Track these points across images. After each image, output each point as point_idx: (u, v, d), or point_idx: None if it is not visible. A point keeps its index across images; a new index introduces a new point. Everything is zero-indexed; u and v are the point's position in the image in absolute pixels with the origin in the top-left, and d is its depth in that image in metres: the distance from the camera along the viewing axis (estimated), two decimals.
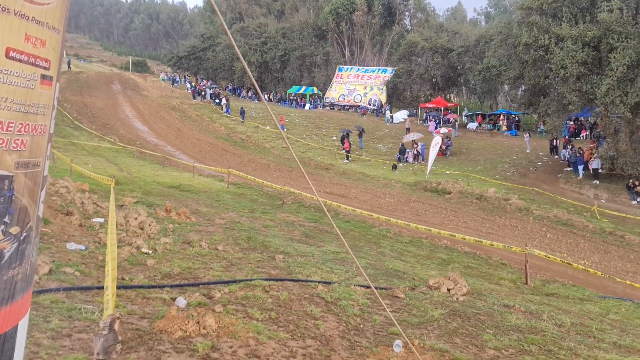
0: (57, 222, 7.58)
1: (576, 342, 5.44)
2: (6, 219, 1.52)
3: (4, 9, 1.40)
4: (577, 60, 21.82)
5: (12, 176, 1.53)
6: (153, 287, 5.48)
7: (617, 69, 20.54)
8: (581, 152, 25.53)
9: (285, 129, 37.93)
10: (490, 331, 5.48)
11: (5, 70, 1.44)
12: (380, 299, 3.63)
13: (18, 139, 1.53)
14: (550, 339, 5.38)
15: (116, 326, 1.79)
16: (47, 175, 1.77)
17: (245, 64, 2.50)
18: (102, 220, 8.60)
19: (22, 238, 1.61)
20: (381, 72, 51.77)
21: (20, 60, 1.49)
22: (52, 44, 1.63)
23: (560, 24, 22.60)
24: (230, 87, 62.86)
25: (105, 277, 3.68)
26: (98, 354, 1.77)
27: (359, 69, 53.67)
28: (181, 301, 5.00)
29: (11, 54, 1.45)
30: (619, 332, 6.30)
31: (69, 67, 61.22)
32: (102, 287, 3.64)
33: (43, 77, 1.62)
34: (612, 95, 21.14)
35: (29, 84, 1.54)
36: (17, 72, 1.48)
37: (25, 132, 1.56)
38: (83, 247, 6.66)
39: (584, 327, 6.17)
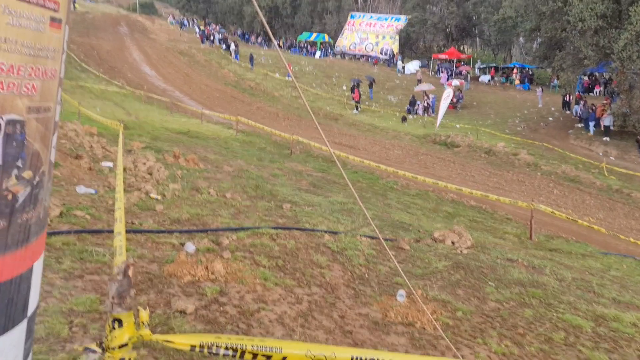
0: (67, 166, 7.64)
1: (576, 296, 5.54)
2: (19, 164, 1.53)
3: None
4: (596, 12, 21.14)
5: (24, 121, 1.52)
6: (162, 232, 5.58)
7: (637, 23, 19.89)
8: (594, 108, 25.12)
9: (290, 78, 37.46)
10: (493, 284, 5.57)
11: (14, 11, 1.41)
12: (387, 249, 3.67)
13: (29, 83, 1.52)
14: (551, 293, 5.48)
15: (130, 272, 1.83)
16: (58, 120, 1.77)
17: (257, 6, 2.43)
18: (111, 164, 8.66)
19: (35, 182, 1.62)
20: (394, 21, 50.40)
21: (29, 2, 1.45)
22: None
23: None
24: (239, 32, 61.65)
25: (116, 222, 3.74)
26: (113, 298, 1.81)
27: (371, 17, 52.24)
28: (190, 246, 5.09)
29: None
30: (618, 288, 6.39)
31: (74, 6, 60.00)
32: (113, 231, 3.70)
33: (52, 19, 1.58)
34: (629, 51, 20.58)
35: (38, 26, 1.51)
36: (26, 14, 1.45)
37: (35, 76, 1.54)
38: (93, 191, 6.74)
39: (584, 282, 6.25)
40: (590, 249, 10.26)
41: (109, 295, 1.80)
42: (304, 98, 2.67)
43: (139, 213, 6.30)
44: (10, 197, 1.51)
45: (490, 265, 6.32)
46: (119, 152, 7.38)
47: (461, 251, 6.88)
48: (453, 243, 7.21)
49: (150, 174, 8.38)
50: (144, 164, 8.69)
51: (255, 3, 2.38)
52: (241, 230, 6.02)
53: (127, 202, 6.22)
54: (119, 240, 3.12)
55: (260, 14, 2.36)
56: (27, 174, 1.57)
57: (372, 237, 6.60)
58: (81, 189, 6.64)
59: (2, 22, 1.38)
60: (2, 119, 1.43)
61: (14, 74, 1.45)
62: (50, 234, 4.63)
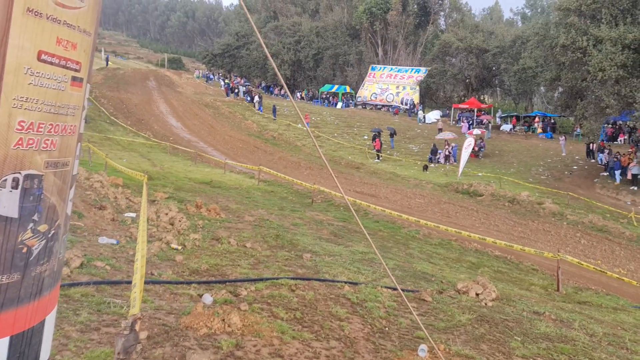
0: (90, 216, 7.78)
1: (608, 353, 5.28)
2: (35, 217, 1.56)
3: (36, 13, 1.44)
4: (616, 63, 21.20)
5: (42, 175, 1.57)
6: (181, 283, 5.57)
7: None
8: (619, 156, 24.77)
9: (309, 126, 38.07)
10: (519, 338, 5.36)
11: (37, 72, 1.48)
12: (407, 301, 3.60)
13: (48, 139, 1.57)
14: (581, 349, 5.24)
15: (137, 326, 1.82)
16: (76, 174, 1.82)
17: (272, 61, 2.51)
18: (134, 215, 8.78)
19: (50, 235, 1.65)
20: (414, 72, 51.32)
21: (51, 63, 1.52)
22: (83, 46, 1.67)
23: (599, 26, 22.00)
24: (263, 85, 63.41)
25: (134, 274, 3.76)
26: (119, 353, 1.80)
27: (392, 69, 53.33)
28: (208, 298, 5.06)
29: (43, 57, 1.48)
30: None
31: (107, 63, 62.74)
32: (131, 282, 3.72)
33: (74, 78, 1.65)
34: None
35: (59, 85, 1.58)
36: (48, 75, 1.52)
37: (55, 132, 1.60)
38: (114, 241, 6.81)
39: (616, 338, 5.98)
40: (622, 302, 9.86)
41: (114, 350, 1.79)
42: (316, 143, 2.70)
43: (159, 263, 6.32)
44: (25, 250, 1.54)
45: (516, 318, 6.11)
46: (142, 202, 7.51)
47: (486, 303, 6.68)
48: (477, 295, 7.01)
49: (172, 224, 8.46)
50: (166, 214, 8.80)
51: (271, 60, 2.46)
52: (260, 281, 5.98)
53: (147, 252, 6.27)
54: (135, 292, 3.12)
55: (276, 69, 2.44)
56: (42, 227, 1.60)
57: (394, 289, 6.47)
58: (103, 240, 6.73)
59: (24, 83, 1.45)
60: (20, 174, 1.48)
61: (34, 131, 1.51)
62: (69, 285, 4.67)
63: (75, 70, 1.65)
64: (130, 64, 77.30)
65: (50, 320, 1.76)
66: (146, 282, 4.87)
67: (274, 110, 41.87)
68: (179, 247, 7.17)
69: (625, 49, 21.34)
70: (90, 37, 1.71)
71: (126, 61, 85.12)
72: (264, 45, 2.51)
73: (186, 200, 11.79)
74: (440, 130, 36.30)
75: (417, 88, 49.42)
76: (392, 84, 51.22)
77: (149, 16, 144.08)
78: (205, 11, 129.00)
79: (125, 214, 8.84)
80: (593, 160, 28.50)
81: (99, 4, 1.74)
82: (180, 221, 8.56)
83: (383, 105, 50.31)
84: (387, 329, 5.23)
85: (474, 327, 5.57)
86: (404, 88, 50.18)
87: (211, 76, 67.65)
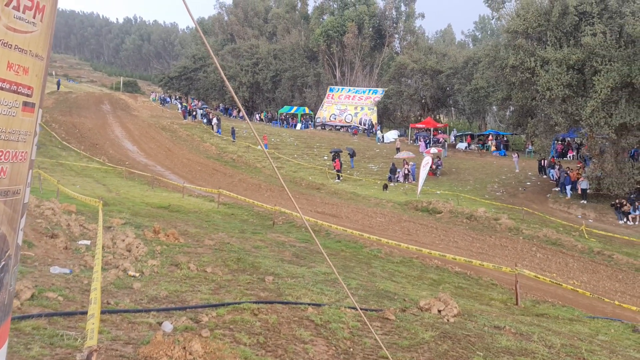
0: (42, 245, 7.47)
1: None
2: None
3: None
4: (562, 82, 22.18)
5: None
6: (139, 311, 5.39)
7: (601, 91, 20.88)
8: (568, 172, 25.79)
9: (267, 148, 38.12)
10: (481, 353, 5.43)
11: None
12: (370, 321, 3.59)
13: None
14: None
15: (94, 359, 1.74)
16: (27, 203, 1.75)
17: (229, 84, 2.51)
18: (88, 242, 8.49)
19: (0, 267, 1.58)
20: (372, 93, 52.31)
21: (1, 88, 1.48)
22: (35, 71, 1.62)
23: (545, 48, 23.02)
24: (221, 107, 63.14)
25: (91, 304, 3.62)
26: None
27: (349, 90, 54.18)
28: (167, 326, 4.92)
29: None
30: (608, 353, 6.29)
31: (58, 87, 61.14)
32: (86, 313, 3.57)
33: (25, 104, 1.60)
34: (596, 117, 21.45)
35: (10, 111, 1.53)
36: None
37: (5, 159, 1.54)
38: (67, 271, 6.56)
39: (573, 349, 6.14)
40: (577, 313, 10.17)
41: None
42: (274, 165, 2.71)
43: (116, 292, 6.12)
44: None
45: (478, 333, 6.20)
46: (98, 229, 7.28)
47: (448, 320, 6.75)
48: (439, 311, 7.08)
49: (129, 250, 8.23)
50: (123, 240, 8.55)
51: (228, 84, 2.46)
52: (221, 306, 5.86)
53: (103, 280, 6.06)
54: (92, 323, 3.00)
55: (232, 92, 2.44)
56: None
57: (357, 308, 6.46)
58: (55, 269, 6.46)
59: None
60: None
61: None
62: (19, 318, 4.45)
63: (27, 95, 1.60)
64: (83, 88, 75.60)
65: (1, 356, 1.67)
66: (103, 312, 4.69)
67: (233, 132, 41.69)
68: (137, 274, 6.96)
69: (569, 69, 22.39)
70: (42, 62, 1.66)
71: (79, 85, 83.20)
72: (220, 69, 2.51)
73: (143, 225, 11.50)
74: (398, 149, 36.94)
75: (375, 108, 50.34)
76: (350, 104, 51.98)
77: (102, 39, 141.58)
78: (161, 34, 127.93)
79: (79, 242, 8.53)
80: (545, 176, 29.54)
81: (52, 28, 1.70)
82: (137, 247, 8.33)
83: (342, 126, 50.89)
84: (351, 349, 5.21)
85: (437, 344, 5.61)
86: (362, 109, 51.01)
87: (168, 99, 66.88)
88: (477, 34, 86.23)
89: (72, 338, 4.30)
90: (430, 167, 28.79)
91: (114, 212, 13.78)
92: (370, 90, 53.40)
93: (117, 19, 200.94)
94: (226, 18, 75.65)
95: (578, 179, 24.98)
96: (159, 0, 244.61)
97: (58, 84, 62.39)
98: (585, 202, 24.06)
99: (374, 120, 49.36)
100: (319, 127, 51.76)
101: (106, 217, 11.22)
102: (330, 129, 50.80)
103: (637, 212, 21.88)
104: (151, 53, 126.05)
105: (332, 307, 6.48)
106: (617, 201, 22.50)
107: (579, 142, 33.15)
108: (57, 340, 4.25)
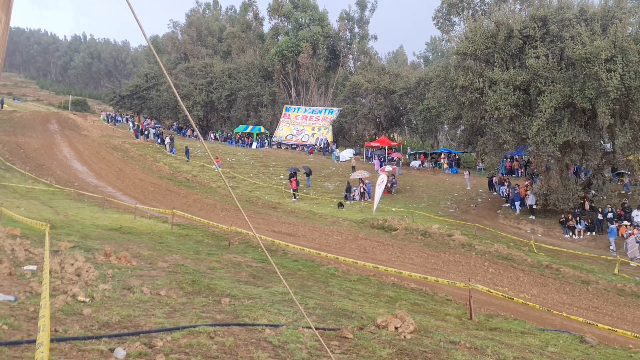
0: None
1: None
2: None
3: None
4: (509, 102, 23.07)
5: None
6: (89, 338, 5.18)
7: (545, 111, 21.84)
8: (517, 188, 26.71)
9: (220, 167, 37.80)
10: None
11: None
12: (328, 340, 3.59)
13: None
14: None
15: None
16: None
17: (183, 104, 2.50)
18: (34, 267, 8.12)
19: None
20: (328, 113, 52.89)
21: None
22: None
23: (493, 69, 23.93)
24: (175, 127, 62.20)
25: (39, 332, 3.46)
26: None
27: (306, 110, 54.54)
28: (120, 352, 4.75)
29: None
30: None
31: (2, 106, 58.78)
32: (33, 342, 3.41)
33: None
34: (542, 135, 22.39)
35: None
36: None
37: None
38: (12, 298, 6.25)
39: None
40: (528, 326, 10.46)
41: None
42: (228, 185, 2.69)
43: (64, 319, 5.86)
44: None
45: (434, 349, 6.28)
46: (45, 253, 6.99)
47: (405, 336, 6.81)
48: (396, 328, 7.14)
49: (79, 275, 7.91)
50: (72, 264, 8.22)
51: (181, 103, 2.44)
52: (176, 330, 5.71)
53: (51, 307, 5.80)
54: (41, 352, 2.87)
55: (186, 110, 2.42)
56: None
57: (315, 328, 6.43)
58: None
59: None
60: None
61: None
62: None
63: None
64: (29, 107, 72.85)
65: None
66: (51, 340, 4.48)
67: (187, 152, 41.07)
68: (87, 300, 6.70)
69: (516, 89, 23.33)
70: None
71: (24, 103, 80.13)
72: (173, 87, 2.50)
73: (94, 248, 11.12)
74: (353, 168, 37.32)
75: (331, 127, 50.86)
76: (307, 125, 52.33)
77: (49, 57, 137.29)
78: (112, 52, 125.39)
79: (25, 267, 8.15)
80: (495, 193, 30.46)
81: (3, 47, 1.65)
82: (87, 271, 8.03)
83: (298, 145, 51.06)
84: None
85: None
86: (319, 129, 51.45)
87: (119, 118, 65.36)
88: (429, 54, 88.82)
89: None
90: (386, 185, 29.20)
91: (62, 235, 13.27)
92: (326, 110, 53.95)
93: (65, 36, 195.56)
94: (180, 37, 75.01)
95: (526, 195, 25.90)
96: (110, 18, 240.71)
97: (1, 102, 59.96)
98: (533, 217, 24.93)
99: (330, 139, 49.83)
100: (275, 146, 51.74)
101: (53, 240, 10.78)
102: (287, 148, 50.86)
103: (582, 227, 22.85)
104: (102, 71, 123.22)
105: (289, 327, 6.42)
106: (562, 216, 23.45)
107: (526, 159, 34.42)
108: None
